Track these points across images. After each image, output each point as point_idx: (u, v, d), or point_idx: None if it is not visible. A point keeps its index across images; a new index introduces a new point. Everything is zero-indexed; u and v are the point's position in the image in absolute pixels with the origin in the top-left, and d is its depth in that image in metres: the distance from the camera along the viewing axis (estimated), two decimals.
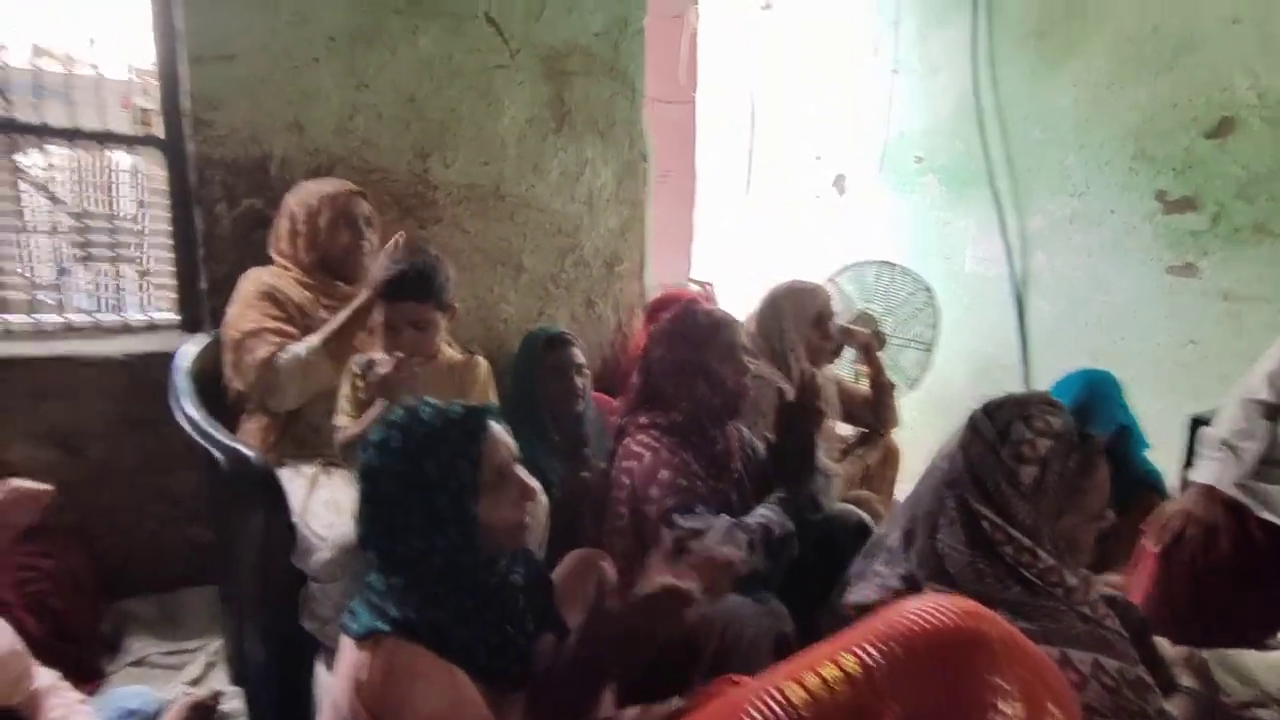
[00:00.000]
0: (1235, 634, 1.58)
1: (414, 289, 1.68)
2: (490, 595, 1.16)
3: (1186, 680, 1.39)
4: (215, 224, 2.13)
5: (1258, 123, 2.37)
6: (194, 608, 2.13)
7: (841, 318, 2.63)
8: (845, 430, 2.53)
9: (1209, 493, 1.86)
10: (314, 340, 1.75)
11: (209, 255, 2.13)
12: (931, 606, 0.66)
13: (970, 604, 0.66)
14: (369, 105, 2.26)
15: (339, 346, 1.74)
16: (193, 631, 2.06)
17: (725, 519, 1.44)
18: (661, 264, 3.43)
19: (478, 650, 1.09)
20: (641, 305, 2.86)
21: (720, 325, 1.62)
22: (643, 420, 1.56)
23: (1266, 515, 1.81)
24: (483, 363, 1.88)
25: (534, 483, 1.17)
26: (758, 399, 1.94)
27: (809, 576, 1.56)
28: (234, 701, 1.71)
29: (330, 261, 1.92)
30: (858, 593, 1.32)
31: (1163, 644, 1.42)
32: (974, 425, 1.25)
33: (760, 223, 4.28)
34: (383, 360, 1.58)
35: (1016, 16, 2.97)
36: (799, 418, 1.59)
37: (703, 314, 1.64)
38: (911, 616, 0.65)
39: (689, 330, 1.61)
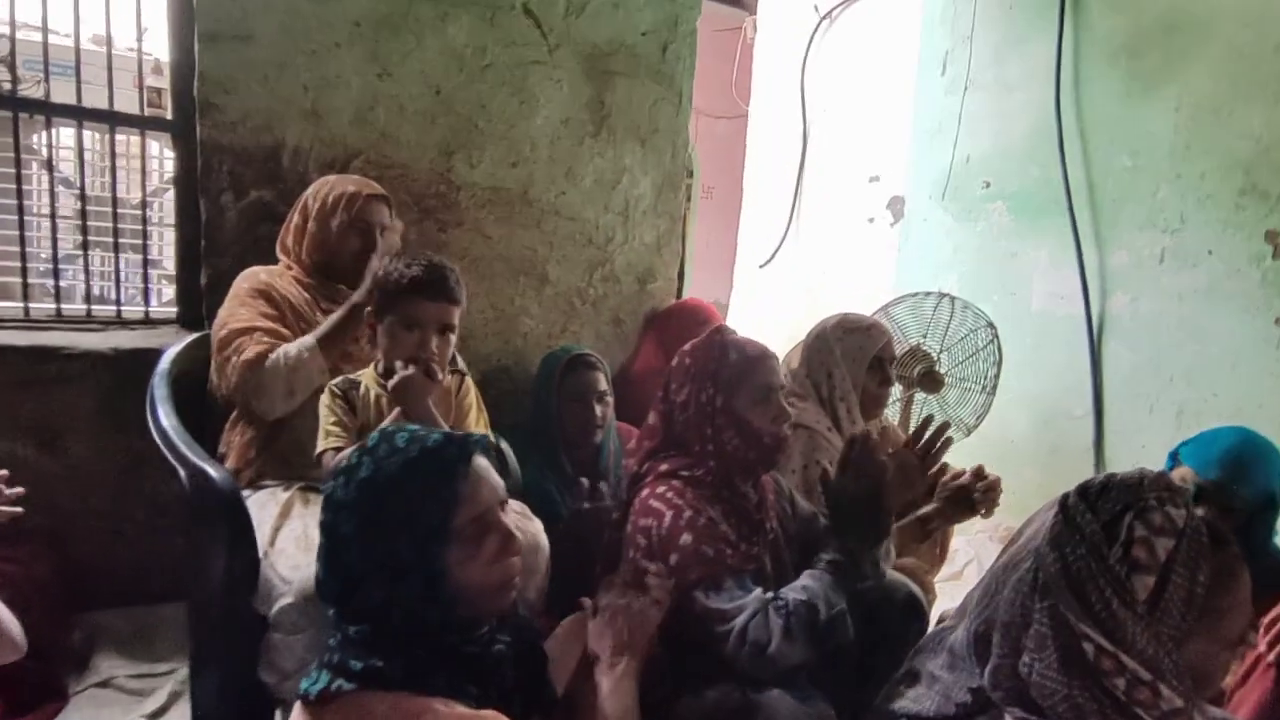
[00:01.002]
0: None
1: (449, 289, 1.50)
2: (466, 667, 0.96)
3: None
4: (220, 215, 1.98)
5: None
6: (169, 626, 1.97)
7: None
8: None
9: None
10: (308, 340, 1.59)
11: (210, 248, 1.98)
12: None
13: None
14: (391, 96, 2.10)
15: (333, 347, 1.60)
16: (165, 653, 1.92)
17: (757, 596, 1.21)
18: (700, 285, 3.23)
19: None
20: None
21: (754, 362, 1.36)
22: (663, 468, 1.32)
23: None
24: (471, 384, 1.70)
25: (523, 533, 0.97)
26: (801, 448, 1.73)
27: (846, 655, 1.32)
28: None
29: (336, 267, 1.76)
30: (914, 700, 1.08)
31: None
32: (1069, 516, 0.95)
33: (806, 246, 4.04)
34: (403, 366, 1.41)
35: (1108, 32, 2.70)
36: (870, 449, 1.28)
37: (732, 347, 1.36)
38: None
39: (716, 369, 1.34)
